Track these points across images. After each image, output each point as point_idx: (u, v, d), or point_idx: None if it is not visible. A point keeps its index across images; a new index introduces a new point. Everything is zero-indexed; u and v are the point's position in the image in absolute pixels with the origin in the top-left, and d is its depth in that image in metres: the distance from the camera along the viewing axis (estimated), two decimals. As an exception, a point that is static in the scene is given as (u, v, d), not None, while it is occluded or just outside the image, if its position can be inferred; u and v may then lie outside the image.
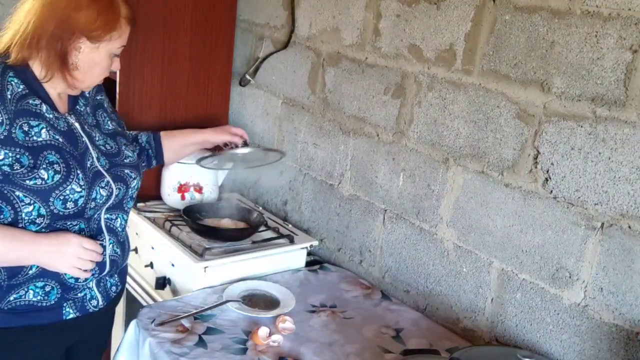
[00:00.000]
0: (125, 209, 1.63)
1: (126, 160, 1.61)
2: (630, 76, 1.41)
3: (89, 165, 1.49)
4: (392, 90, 1.97)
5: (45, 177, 1.40)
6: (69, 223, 1.48)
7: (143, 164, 1.83)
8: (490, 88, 1.69)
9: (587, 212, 1.52)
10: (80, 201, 1.45)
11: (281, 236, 2.18)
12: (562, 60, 1.53)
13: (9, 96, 1.40)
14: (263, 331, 1.66)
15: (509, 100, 1.65)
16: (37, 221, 1.42)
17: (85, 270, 1.47)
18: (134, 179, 1.62)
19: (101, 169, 1.52)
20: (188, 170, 2.35)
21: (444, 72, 1.81)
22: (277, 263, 2.09)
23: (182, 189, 2.33)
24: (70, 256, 1.44)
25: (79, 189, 1.44)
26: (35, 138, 1.41)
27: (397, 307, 1.93)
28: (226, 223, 2.11)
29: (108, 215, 1.57)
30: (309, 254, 2.20)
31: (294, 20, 2.31)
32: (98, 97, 1.67)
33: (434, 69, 1.84)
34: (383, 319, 1.85)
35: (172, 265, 2.04)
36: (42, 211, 1.41)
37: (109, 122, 1.66)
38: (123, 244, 1.64)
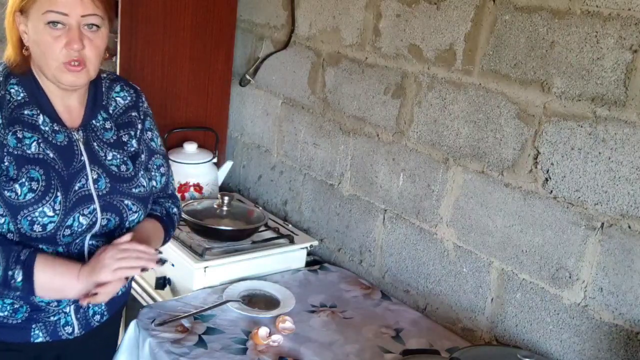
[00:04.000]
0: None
1: (135, 190, 1.44)
2: (630, 76, 1.41)
3: (77, 187, 1.36)
4: (392, 90, 1.97)
5: (19, 192, 1.29)
6: (41, 246, 1.34)
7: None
8: (490, 88, 1.69)
9: (587, 212, 1.52)
10: (50, 227, 1.32)
11: (281, 236, 2.18)
12: (562, 60, 1.53)
13: (6, 104, 1.34)
14: (263, 331, 1.66)
15: (509, 100, 1.65)
16: (9, 236, 1.32)
17: (135, 268, 1.33)
18: (135, 212, 1.44)
19: (93, 193, 1.38)
20: (188, 170, 2.35)
21: (444, 72, 1.81)
22: (277, 263, 2.09)
23: (182, 188, 2.33)
24: (109, 259, 1.30)
25: (50, 213, 1.31)
26: (25, 149, 1.32)
27: (397, 307, 1.93)
28: (226, 223, 2.11)
29: (93, 242, 1.41)
30: (309, 254, 2.20)
31: (294, 20, 2.31)
32: (133, 114, 1.51)
33: (434, 69, 1.84)
34: (383, 319, 1.85)
35: (172, 265, 2.04)
36: (11, 227, 1.31)
37: (133, 142, 1.50)
38: None
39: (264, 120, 2.53)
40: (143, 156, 1.52)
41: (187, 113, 2.54)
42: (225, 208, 2.17)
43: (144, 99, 1.56)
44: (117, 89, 1.52)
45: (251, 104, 2.60)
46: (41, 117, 1.36)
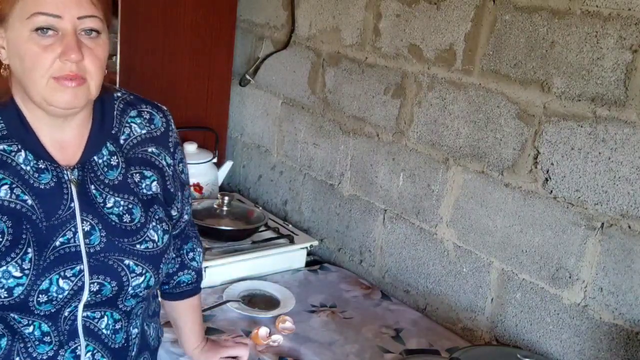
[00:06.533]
0: (120, 306, 1.15)
1: (140, 246, 1.13)
2: (630, 76, 1.41)
3: (58, 243, 1.07)
4: (392, 90, 1.97)
5: None
6: (15, 317, 1.07)
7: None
8: (490, 88, 1.69)
9: (587, 212, 1.52)
10: (18, 291, 1.03)
11: (281, 236, 2.18)
12: (562, 60, 1.53)
13: None
14: (263, 331, 1.66)
15: (509, 100, 1.65)
16: None
17: None
18: (139, 275, 1.13)
19: (82, 250, 1.09)
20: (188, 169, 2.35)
21: (444, 72, 1.81)
22: (277, 263, 2.09)
23: (182, 189, 2.32)
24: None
25: (17, 274, 1.03)
26: None
27: (397, 307, 1.93)
28: (226, 223, 2.11)
29: (88, 313, 1.12)
30: (309, 254, 2.20)
31: (294, 20, 2.31)
32: (150, 150, 1.20)
33: (434, 69, 1.84)
34: (383, 319, 1.85)
35: (172, 265, 2.04)
36: None
37: (152, 186, 1.19)
38: (117, 352, 1.18)
39: (264, 120, 2.53)
40: (179, 196, 1.26)
41: (187, 113, 2.54)
42: (225, 208, 2.17)
43: (172, 125, 1.28)
44: (133, 113, 1.21)
45: (251, 104, 2.60)
46: (23, 153, 1.08)
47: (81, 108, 1.10)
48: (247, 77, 2.54)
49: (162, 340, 1.38)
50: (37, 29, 1.01)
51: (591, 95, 1.49)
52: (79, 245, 1.08)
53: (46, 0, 1.00)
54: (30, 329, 1.08)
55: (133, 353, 1.21)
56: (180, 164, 1.29)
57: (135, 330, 1.21)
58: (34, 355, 1.11)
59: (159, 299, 1.39)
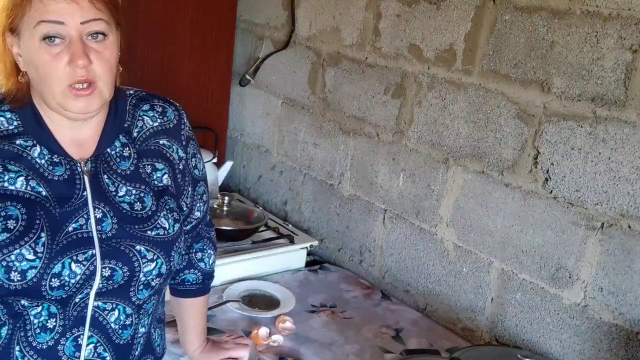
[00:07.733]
0: (133, 299, 1.16)
1: (151, 232, 1.15)
2: (630, 76, 1.41)
3: (71, 228, 1.10)
4: (392, 90, 1.97)
5: None
6: (25, 303, 1.08)
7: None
8: (490, 88, 1.70)
9: (587, 212, 1.52)
10: (31, 274, 1.05)
11: (281, 236, 2.18)
12: (562, 60, 1.53)
13: None
14: (263, 331, 1.66)
15: (509, 100, 1.65)
16: None
17: None
18: (151, 261, 1.14)
19: (94, 236, 1.11)
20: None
21: (444, 72, 1.81)
22: (277, 263, 2.09)
23: (182, 189, 2.32)
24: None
25: (30, 257, 1.05)
26: (6, 185, 1.08)
27: (397, 307, 1.93)
28: (226, 223, 2.11)
29: (99, 303, 1.13)
30: (309, 254, 2.20)
31: (294, 20, 2.31)
32: (161, 142, 1.23)
33: (434, 69, 1.84)
34: (383, 319, 1.85)
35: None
36: None
37: (162, 178, 1.22)
38: (121, 348, 1.18)
39: (264, 120, 2.53)
40: (188, 190, 1.29)
41: (187, 113, 2.54)
42: (225, 208, 2.17)
43: (185, 119, 1.30)
44: (145, 107, 1.25)
45: (251, 104, 2.60)
46: (38, 148, 1.12)
47: (97, 111, 1.14)
48: (247, 77, 2.54)
49: (165, 352, 1.37)
50: (44, 38, 1.05)
51: (591, 95, 1.49)
52: (91, 232, 1.11)
53: (49, 8, 1.03)
54: (39, 309, 1.09)
55: (137, 352, 1.21)
56: (194, 159, 1.31)
57: (143, 330, 1.21)
58: (34, 345, 1.11)
59: (167, 296, 1.40)
